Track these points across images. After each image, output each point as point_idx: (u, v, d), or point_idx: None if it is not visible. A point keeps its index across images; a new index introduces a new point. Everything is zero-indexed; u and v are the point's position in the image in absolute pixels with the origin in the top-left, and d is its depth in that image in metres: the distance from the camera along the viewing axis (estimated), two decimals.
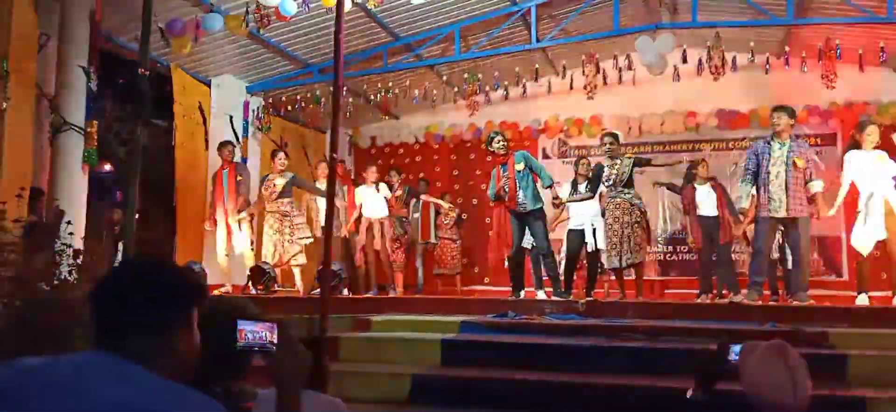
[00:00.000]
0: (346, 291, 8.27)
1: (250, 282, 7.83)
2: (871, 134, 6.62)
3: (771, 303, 7.20)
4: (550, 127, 11.14)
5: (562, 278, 7.33)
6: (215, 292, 7.50)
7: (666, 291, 10.14)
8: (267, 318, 1.59)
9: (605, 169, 7.32)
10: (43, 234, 5.20)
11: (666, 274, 10.59)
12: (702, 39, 9.09)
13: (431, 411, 4.57)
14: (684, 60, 9.13)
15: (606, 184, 7.30)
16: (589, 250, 7.70)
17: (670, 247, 10.60)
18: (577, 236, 7.65)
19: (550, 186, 7.27)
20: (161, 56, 8.27)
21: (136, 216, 4.00)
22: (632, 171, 7.21)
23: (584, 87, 9.55)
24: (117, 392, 1.16)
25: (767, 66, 9.26)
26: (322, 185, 8.27)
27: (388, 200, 8.90)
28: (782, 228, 6.69)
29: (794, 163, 6.24)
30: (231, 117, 9.29)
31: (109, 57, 7.93)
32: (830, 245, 9.91)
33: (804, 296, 6.34)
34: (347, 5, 5.63)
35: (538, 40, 9.05)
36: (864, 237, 6.52)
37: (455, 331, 5.77)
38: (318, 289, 6.73)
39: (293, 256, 8.06)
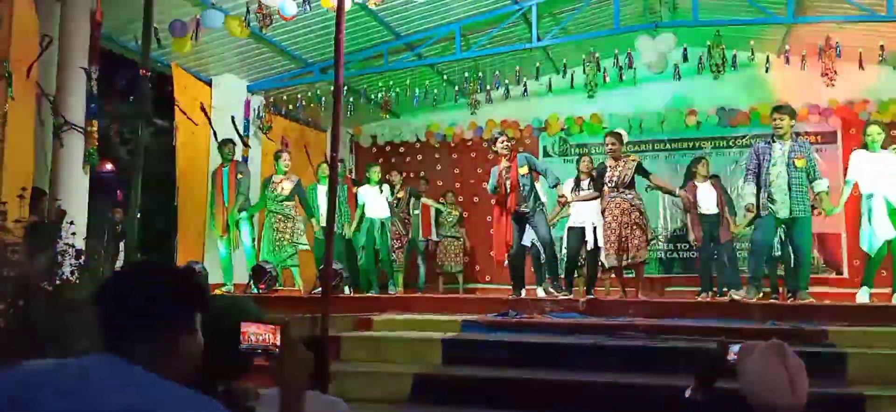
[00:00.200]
0: (347, 290, 8.29)
1: (252, 282, 7.85)
2: (875, 134, 6.63)
3: (771, 300, 7.21)
4: (551, 125, 11.14)
5: (562, 277, 7.34)
6: (216, 291, 7.53)
7: (666, 289, 10.14)
8: (270, 320, 1.60)
9: (607, 169, 7.33)
10: (45, 235, 5.19)
11: (667, 272, 10.59)
12: (702, 38, 9.10)
13: (433, 410, 4.58)
14: (685, 59, 9.14)
15: (607, 185, 7.30)
16: (589, 249, 7.70)
17: (671, 245, 10.60)
18: (577, 234, 7.65)
19: (556, 186, 7.29)
20: (162, 55, 8.28)
21: (138, 216, 4.00)
22: (633, 174, 7.22)
23: (585, 86, 9.56)
24: (123, 399, 1.17)
25: (768, 65, 9.26)
26: (322, 185, 8.35)
27: (389, 202, 8.91)
28: (784, 228, 6.70)
29: (794, 163, 6.26)
30: (233, 116, 9.29)
31: (110, 57, 7.93)
32: (830, 242, 9.91)
33: (805, 295, 6.36)
34: (348, 4, 5.62)
35: (539, 39, 9.04)
36: (873, 237, 6.53)
37: (456, 331, 5.78)
38: (320, 289, 6.74)
39: (290, 256, 8.16)
